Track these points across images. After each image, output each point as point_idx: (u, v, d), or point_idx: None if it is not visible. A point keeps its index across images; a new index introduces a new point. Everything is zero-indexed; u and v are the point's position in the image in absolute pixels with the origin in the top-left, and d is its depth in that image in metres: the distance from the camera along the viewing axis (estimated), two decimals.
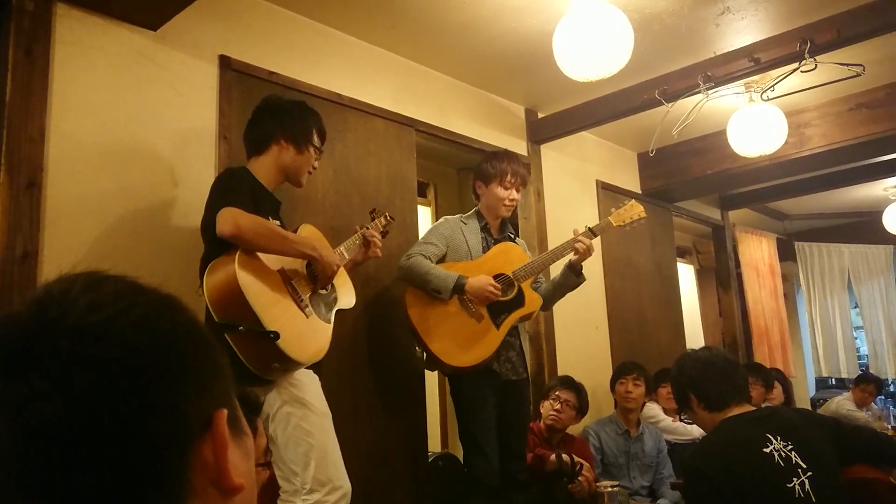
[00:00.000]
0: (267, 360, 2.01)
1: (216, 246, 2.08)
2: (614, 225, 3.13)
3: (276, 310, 2.06)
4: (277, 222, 2.29)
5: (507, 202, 3.04)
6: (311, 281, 2.29)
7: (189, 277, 2.51)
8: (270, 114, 2.36)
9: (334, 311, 2.35)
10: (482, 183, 3.08)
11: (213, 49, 2.76)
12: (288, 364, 2.05)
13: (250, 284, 2.01)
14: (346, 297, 2.45)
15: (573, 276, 3.09)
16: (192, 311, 0.60)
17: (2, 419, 0.48)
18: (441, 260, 2.97)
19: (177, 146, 2.61)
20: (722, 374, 2.07)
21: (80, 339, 0.50)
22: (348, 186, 3.14)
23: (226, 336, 1.97)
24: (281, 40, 2.99)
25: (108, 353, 0.50)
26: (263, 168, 2.31)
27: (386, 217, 2.79)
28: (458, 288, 2.81)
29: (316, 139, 2.40)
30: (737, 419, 1.99)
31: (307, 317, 2.20)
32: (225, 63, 2.77)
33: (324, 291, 2.33)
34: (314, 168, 2.43)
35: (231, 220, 2.02)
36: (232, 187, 2.15)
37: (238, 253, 2.03)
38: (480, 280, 2.83)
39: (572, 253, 3.02)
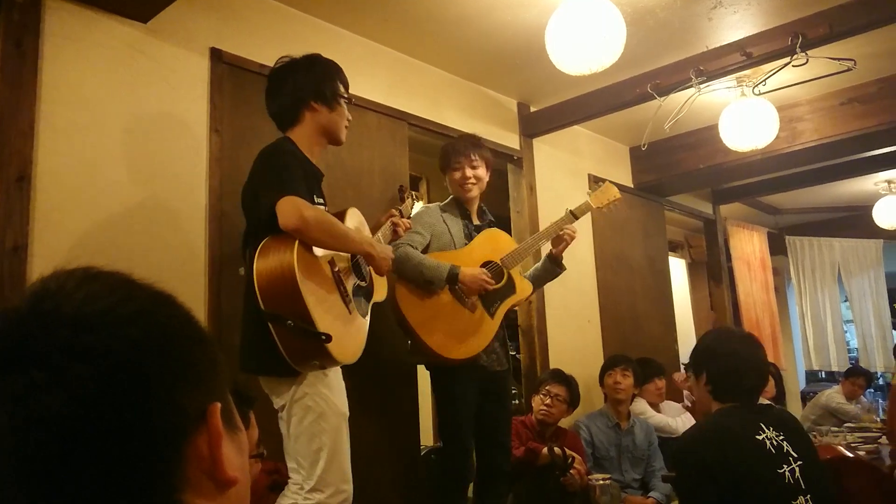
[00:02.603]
0: (309, 357, 1.98)
1: (262, 225, 2.02)
2: (593, 207, 3.18)
3: (325, 307, 2.02)
4: (321, 201, 2.23)
5: (463, 183, 3.04)
6: (355, 272, 2.27)
7: (182, 271, 2.51)
8: (290, 79, 2.26)
9: (371, 305, 2.33)
10: (443, 174, 3.14)
11: (205, 42, 2.75)
12: (328, 362, 2.03)
13: (306, 279, 1.95)
14: (381, 290, 2.44)
15: (554, 266, 3.14)
16: (187, 306, 0.60)
17: (0, 411, 0.48)
18: (426, 249, 2.95)
19: (168, 139, 2.60)
20: (738, 371, 2.04)
21: (76, 330, 0.51)
22: (342, 180, 3.14)
23: (269, 325, 1.94)
24: (273, 33, 2.98)
25: (104, 344, 0.51)
26: (304, 138, 2.23)
27: (413, 196, 2.78)
28: (452, 278, 2.79)
29: (343, 90, 2.32)
30: (730, 409, 2.02)
31: (350, 312, 2.16)
32: (216, 56, 2.76)
33: (363, 283, 2.31)
34: (349, 120, 2.35)
35: (297, 213, 1.94)
36: (288, 170, 2.06)
37: (297, 242, 1.97)
38: (475, 270, 2.83)
39: (551, 241, 3.08)
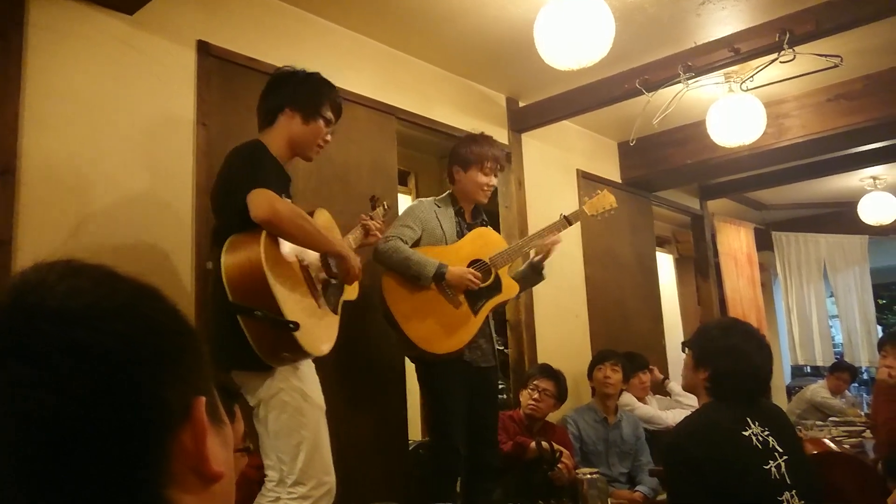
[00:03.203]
0: (279, 348, 1.99)
1: (234, 221, 2.03)
2: (588, 214, 3.19)
3: (293, 299, 2.03)
4: (289, 200, 2.23)
5: (485, 188, 3.04)
6: (325, 270, 2.27)
7: (168, 265, 2.49)
8: (278, 84, 2.30)
9: (341, 303, 2.33)
10: (460, 168, 3.05)
11: (192, 34, 2.73)
12: (298, 355, 2.03)
13: (274, 270, 1.97)
14: (351, 289, 2.43)
15: (534, 274, 3.16)
16: (172, 300, 0.59)
17: None
18: (416, 243, 2.95)
19: (155, 133, 2.58)
20: (751, 378, 2.01)
21: (60, 324, 0.50)
22: (329, 174, 3.13)
23: (238, 317, 1.94)
24: (261, 26, 2.96)
25: (89, 338, 0.50)
26: (274, 141, 2.25)
27: (384, 206, 2.79)
28: (439, 276, 2.81)
29: (327, 111, 2.32)
30: (719, 403, 2.02)
31: (319, 307, 2.17)
32: (203, 49, 2.74)
33: (334, 281, 2.31)
34: (325, 142, 2.36)
35: (268, 205, 1.96)
36: (260, 165, 2.08)
37: (264, 235, 1.98)
38: (461, 269, 2.84)
39: (535, 251, 3.09)
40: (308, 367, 2.15)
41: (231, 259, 1.98)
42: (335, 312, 2.27)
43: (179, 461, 0.53)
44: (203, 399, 0.56)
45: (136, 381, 0.51)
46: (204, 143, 2.67)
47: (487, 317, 3.02)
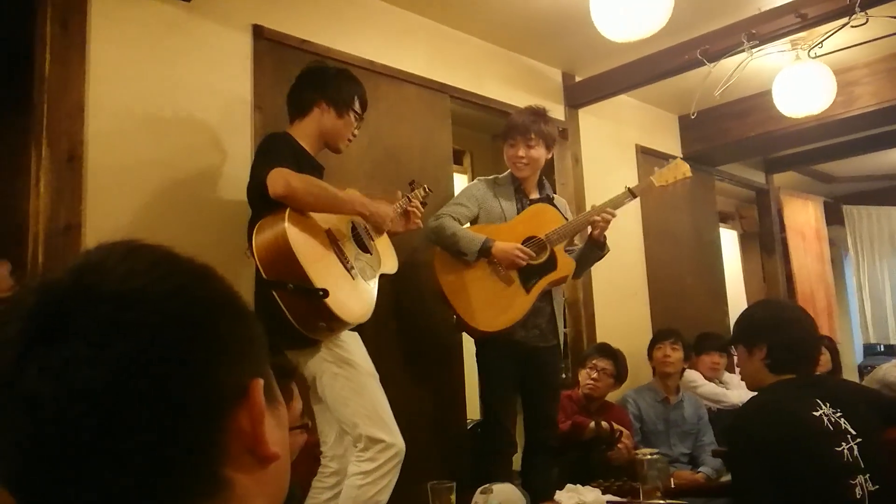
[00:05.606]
0: (314, 318, 2.04)
1: (263, 208, 2.12)
2: (656, 185, 3.03)
3: (323, 268, 2.09)
4: None
5: (514, 162, 2.98)
6: (357, 243, 2.33)
7: (227, 246, 2.54)
8: (313, 78, 2.39)
9: (378, 276, 2.37)
10: (503, 144, 3.06)
11: (246, 18, 2.76)
12: (334, 323, 2.08)
13: (299, 242, 2.04)
14: (390, 262, 2.48)
15: (595, 249, 3.02)
16: (228, 281, 0.60)
17: (41, 384, 0.49)
18: (474, 222, 2.95)
19: (212, 117, 2.63)
20: (804, 341, 1.98)
21: (117, 305, 0.51)
22: (382, 155, 3.13)
23: (274, 294, 2.00)
24: (312, 8, 2.97)
25: (144, 319, 0.51)
26: (305, 132, 2.34)
27: (425, 189, 2.80)
28: (485, 251, 2.79)
29: (357, 106, 2.42)
30: (785, 383, 1.95)
31: (353, 278, 2.22)
32: (258, 32, 2.77)
33: (368, 255, 2.35)
34: (354, 135, 2.46)
35: (282, 180, 2.05)
36: (275, 149, 2.18)
37: (288, 211, 2.06)
38: (508, 244, 2.81)
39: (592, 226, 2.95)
40: (351, 338, 2.21)
41: (260, 239, 2.06)
42: (371, 285, 2.31)
43: (236, 441, 0.54)
44: (260, 381, 0.56)
45: (188, 362, 0.52)
46: (260, 126, 2.71)
47: (550, 296, 2.97)
